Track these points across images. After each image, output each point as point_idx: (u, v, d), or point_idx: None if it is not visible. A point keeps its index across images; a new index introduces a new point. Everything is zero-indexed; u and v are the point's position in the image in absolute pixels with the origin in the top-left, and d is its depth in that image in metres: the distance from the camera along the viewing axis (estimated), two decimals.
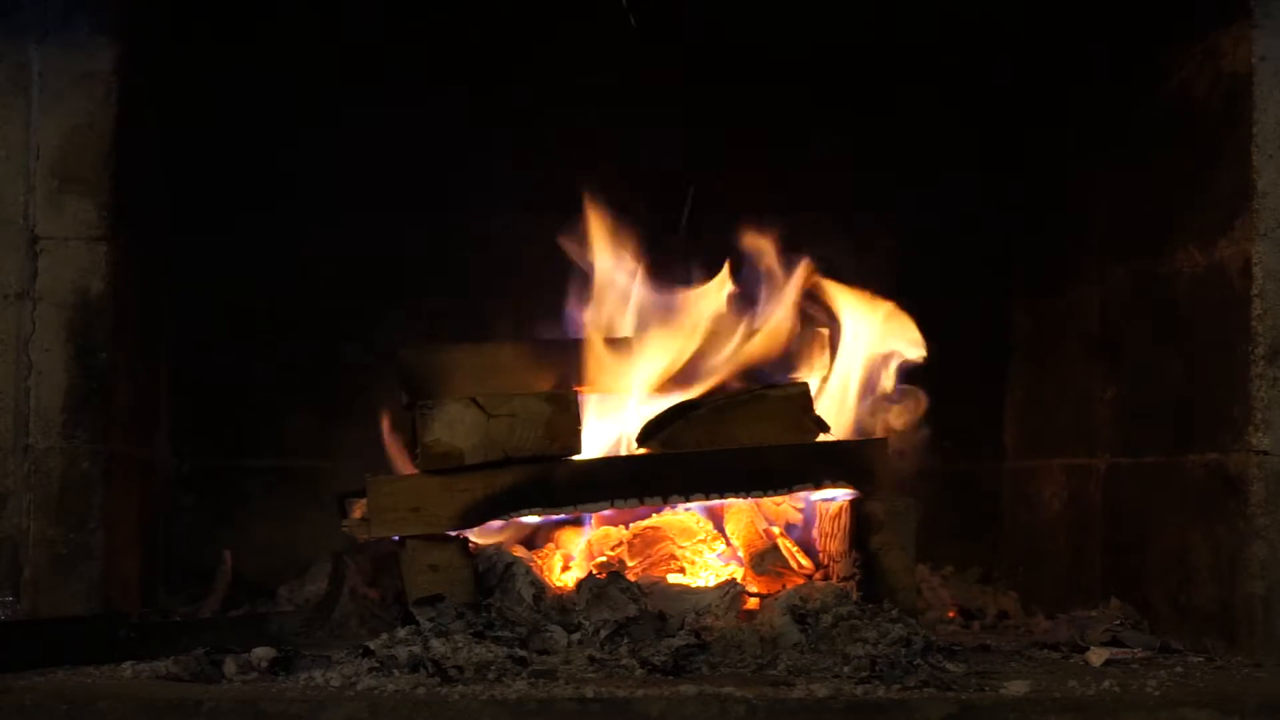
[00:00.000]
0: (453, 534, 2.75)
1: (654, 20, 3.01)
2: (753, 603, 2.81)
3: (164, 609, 3.08)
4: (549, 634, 2.54)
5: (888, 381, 3.08)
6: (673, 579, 2.92)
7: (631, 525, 3.06)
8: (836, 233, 3.28)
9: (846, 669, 2.36)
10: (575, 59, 3.22)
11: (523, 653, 2.42)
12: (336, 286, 3.45)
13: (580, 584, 2.72)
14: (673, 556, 3.00)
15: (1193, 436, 2.71)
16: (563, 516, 2.98)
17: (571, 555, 3.06)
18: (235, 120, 3.37)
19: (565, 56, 3.22)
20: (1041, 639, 2.82)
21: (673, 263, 3.14)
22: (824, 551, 2.93)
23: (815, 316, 3.14)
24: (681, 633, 2.55)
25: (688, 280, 3.12)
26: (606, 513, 2.98)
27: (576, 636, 2.54)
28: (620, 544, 3.03)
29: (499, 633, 2.50)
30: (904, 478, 3.08)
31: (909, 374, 3.13)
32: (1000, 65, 3.40)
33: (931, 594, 3.24)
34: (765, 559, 2.94)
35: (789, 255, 3.13)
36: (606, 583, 2.69)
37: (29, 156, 2.74)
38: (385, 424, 3.07)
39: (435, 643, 2.42)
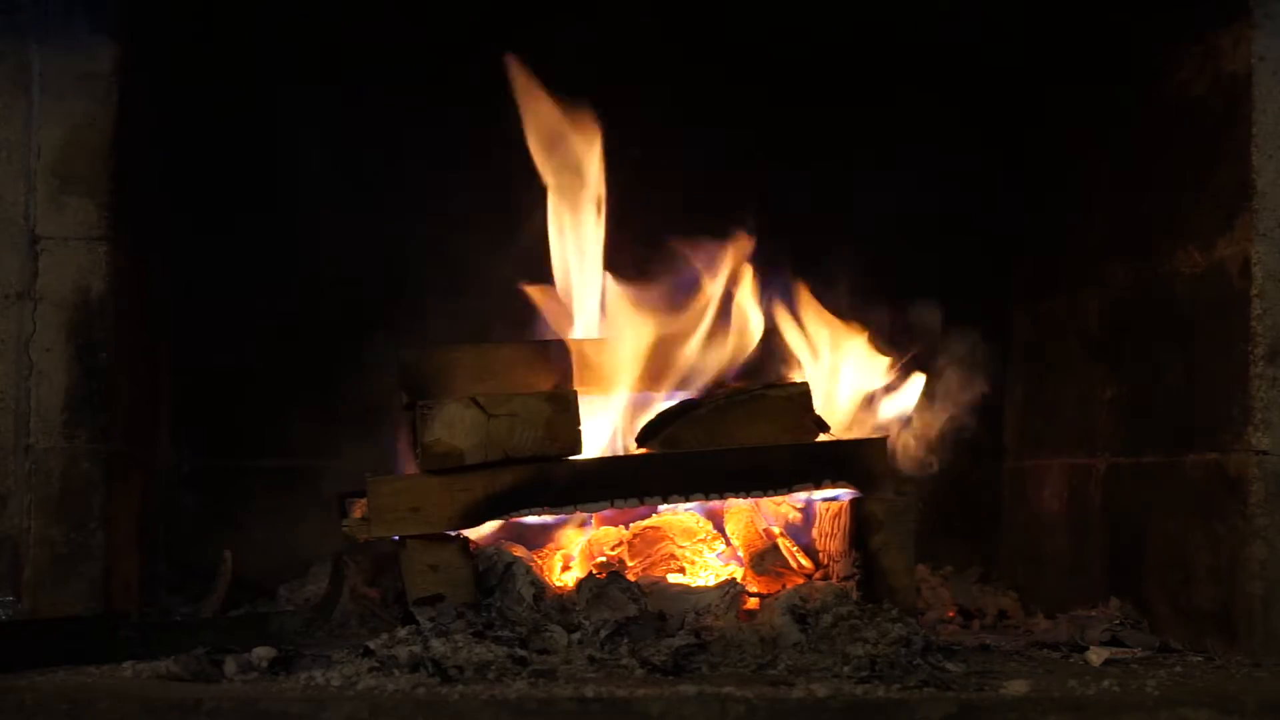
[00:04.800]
0: (453, 534, 2.75)
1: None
2: (753, 603, 2.81)
3: (164, 609, 3.08)
4: (549, 634, 2.54)
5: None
6: (673, 579, 2.93)
7: (631, 525, 3.06)
8: (836, 233, 3.29)
9: (846, 669, 2.36)
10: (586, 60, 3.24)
11: (523, 652, 2.42)
12: (337, 286, 3.45)
13: (580, 584, 2.72)
14: (673, 556, 3.01)
15: (1193, 436, 2.71)
16: (563, 516, 2.98)
17: (571, 555, 3.06)
18: (236, 119, 3.37)
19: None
20: (1041, 639, 2.82)
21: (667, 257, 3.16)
22: (824, 551, 2.93)
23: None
24: (681, 633, 2.56)
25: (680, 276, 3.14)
26: (606, 513, 2.98)
27: (576, 636, 2.54)
28: (620, 544, 3.03)
29: (499, 632, 2.50)
30: (909, 478, 3.10)
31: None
32: (1000, 65, 3.40)
33: (931, 594, 3.24)
34: (765, 559, 2.94)
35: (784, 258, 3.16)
36: (606, 583, 2.69)
37: (30, 156, 2.74)
38: (403, 425, 3.06)
39: (435, 643, 2.42)
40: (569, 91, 3.21)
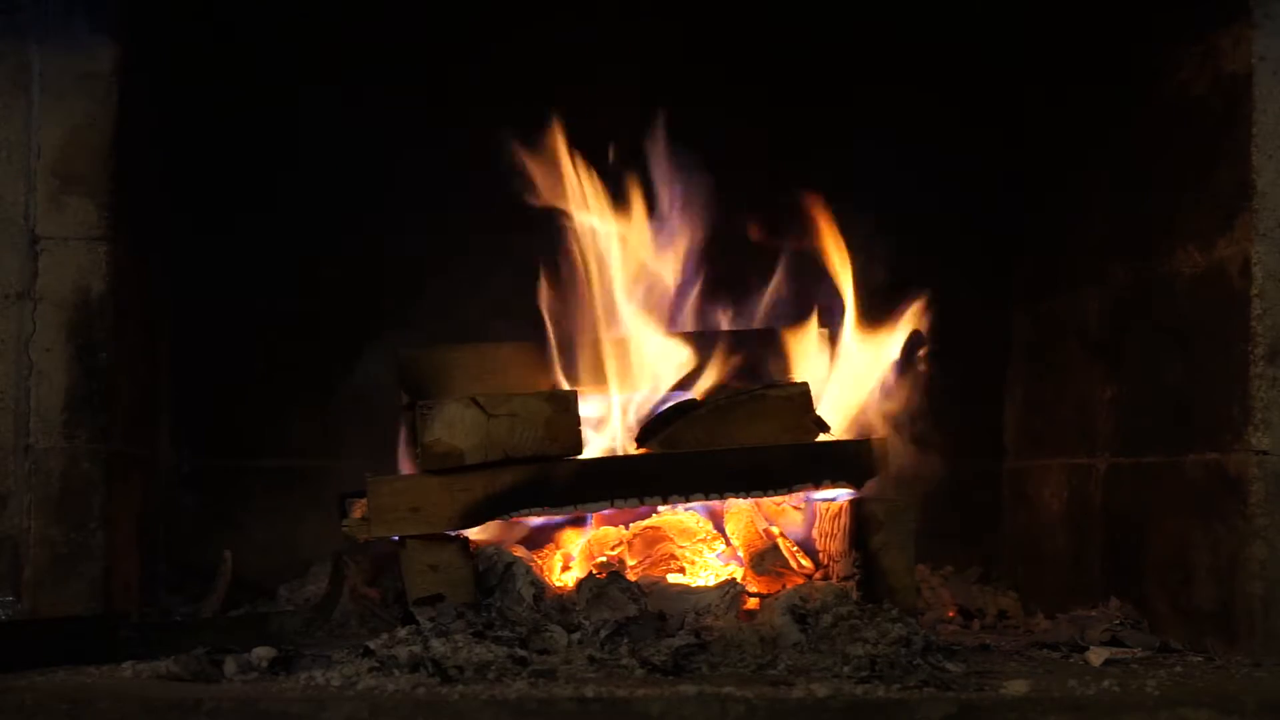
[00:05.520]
0: (453, 534, 2.75)
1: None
2: (753, 603, 2.81)
3: (164, 609, 3.08)
4: (549, 634, 2.54)
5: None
6: (673, 579, 2.93)
7: (631, 525, 3.06)
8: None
9: (846, 669, 2.36)
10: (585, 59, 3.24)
11: (523, 653, 2.42)
12: (337, 286, 3.45)
13: (580, 584, 2.72)
14: (673, 556, 3.01)
15: (1193, 436, 2.71)
16: (563, 517, 2.98)
17: (571, 555, 3.06)
18: (236, 120, 3.37)
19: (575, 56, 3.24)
20: (1041, 639, 2.82)
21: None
22: (824, 551, 2.93)
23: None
24: (681, 633, 2.55)
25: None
26: (606, 513, 2.98)
27: (576, 636, 2.54)
28: (620, 544, 3.03)
29: (499, 633, 2.50)
30: (912, 480, 3.11)
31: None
32: (1000, 65, 3.40)
33: (931, 594, 3.24)
34: (765, 559, 2.94)
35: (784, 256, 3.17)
36: (606, 583, 2.69)
37: (30, 156, 2.74)
38: (402, 427, 3.06)
39: (435, 643, 2.42)
40: (568, 89, 3.23)
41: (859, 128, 3.41)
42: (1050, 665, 2.55)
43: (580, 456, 2.81)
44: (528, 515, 2.83)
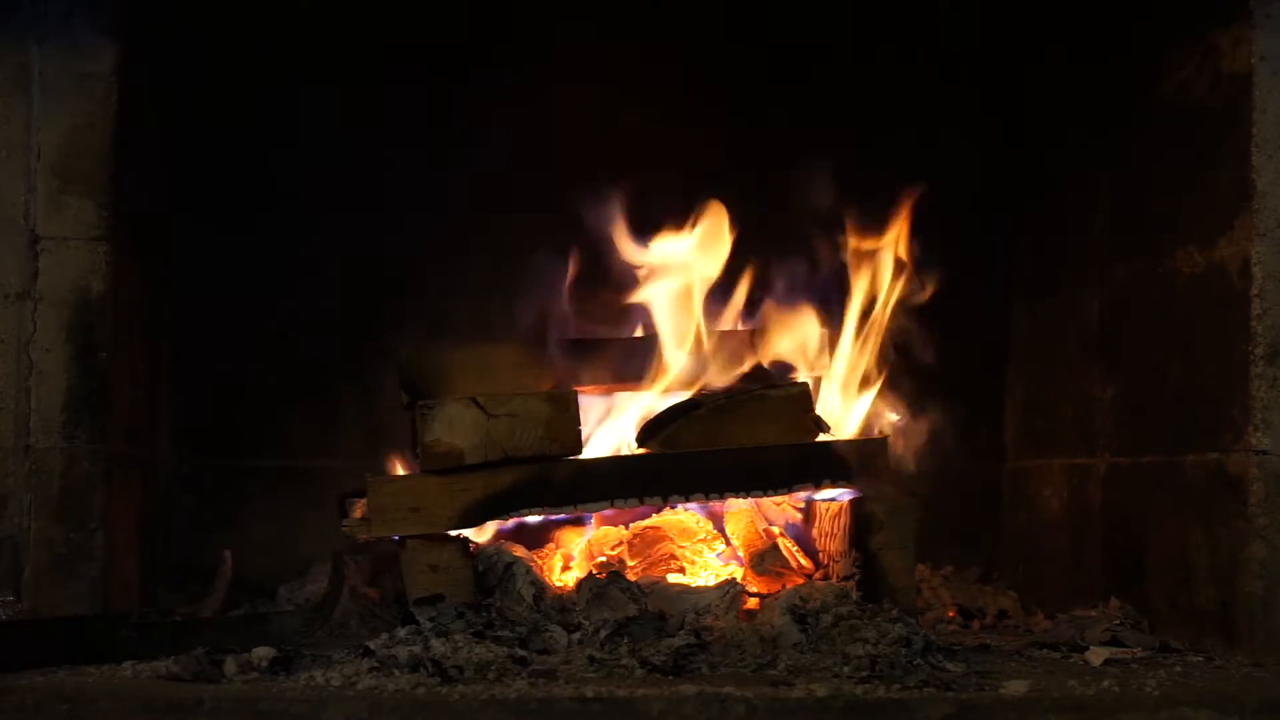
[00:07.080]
0: (453, 534, 2.75)
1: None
2: (753, 603, 2.81)
3: (164, 609, 3.08)
4: (549, 634, 2.54)
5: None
6: (673, 579, 2.93)
7: (631, 525, 3.06)
8: (836, 232, 3.28)
9: (846, 669, 2.36)
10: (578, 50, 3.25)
11: (523, 652, 2.42)
12: (337, 286, 3.45)
13: (580, 584, 2.72)
14: (673, 556, 3.01)
15: (1193, 436, 2.71)
16: (563, 516, 2.98)
17: (571, 555, 3.06)
18: (235, 120, 3.37)
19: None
20: (1041, 639, 2.82)
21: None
22: (824, 551, 2.93)
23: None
24: (681, 633, 2.55)
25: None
26: (606, 513, 2.98)
27: (576, 636, 2.54)
28: (620, 544, 3.03)
29: (499, 632, 2.50)
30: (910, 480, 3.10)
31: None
32: (1001, 65, 3.41)
33: (931, 594, 3.24)
34: (765, 559, 2.94)
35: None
36: (606, 583, 2.69)
37: (30, 156, 2.74)
38: (403, 425, 3.06)
39: (435, 643, 2.42)
40: (569, 85, 3.23)
41: (859, 127, 3.41)
42: (1050, 665, 2.55)
43: (580, 456, 2.81)
44: (528, 515, 2.83)
